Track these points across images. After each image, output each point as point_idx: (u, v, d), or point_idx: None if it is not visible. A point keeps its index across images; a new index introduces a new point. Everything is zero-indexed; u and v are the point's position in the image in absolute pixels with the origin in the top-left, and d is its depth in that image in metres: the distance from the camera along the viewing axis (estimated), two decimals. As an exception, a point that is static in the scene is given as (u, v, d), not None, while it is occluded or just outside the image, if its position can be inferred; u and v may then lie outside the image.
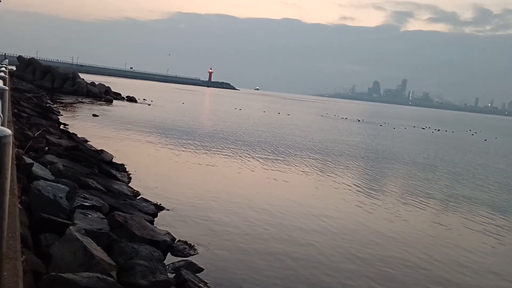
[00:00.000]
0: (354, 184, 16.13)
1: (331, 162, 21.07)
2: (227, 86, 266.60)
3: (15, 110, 16.51)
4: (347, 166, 20.35)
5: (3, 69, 12.75)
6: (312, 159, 21.27)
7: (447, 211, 13.73)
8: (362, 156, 24.64)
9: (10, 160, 1.39)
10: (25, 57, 55.66)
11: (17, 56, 57.03)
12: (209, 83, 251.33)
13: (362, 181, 17.08)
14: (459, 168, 24.18)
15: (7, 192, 1.52)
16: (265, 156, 20.30)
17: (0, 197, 1.34)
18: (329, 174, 17.63)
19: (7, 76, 5.76)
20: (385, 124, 60.59)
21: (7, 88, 3.05)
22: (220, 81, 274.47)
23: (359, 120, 65.21)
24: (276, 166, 17.98)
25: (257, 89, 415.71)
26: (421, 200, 14.54)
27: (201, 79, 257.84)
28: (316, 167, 19.07)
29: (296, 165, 18.84)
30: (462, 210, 14.06)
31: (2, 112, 2.46)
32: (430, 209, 13.53)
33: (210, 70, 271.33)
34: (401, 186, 17.20)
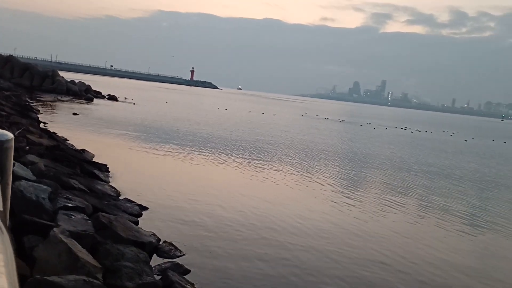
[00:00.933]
0: (332, 185, 16.26)
1: (313, 163, 21.20)
2: (209, 85, 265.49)
3: (-7, 109, 16.12)
4: (327, 167, 20.51)
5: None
6: (294, 160, 21.36)
7: (424, 212, 13.97)
8: (342, 156, 24.85)
9: (12, 164, 1.35)
10: (3, 54, 54.35)
11: (-6, 53, 55.60)
12: (191, 82, 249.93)
13: (341, 182, 17.24)
14: (443, 169, 24.61)
15: (9, 197, 1.48)
16: (248, 156, 20.30)
17: (4, 203, 1.30)
18: (309, 175, 17.72)
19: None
20: (367, 125, 61.28)
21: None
22: (202, 80, 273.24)
23: (340, 121, 65.78)
24: (259, 167, 18.00)
25: (240, 89, 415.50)
26: (398, 202, 14.74)
27: (183, 78, 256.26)
28: (296, 167, 19.16)
29: (277, 166, 18.89)
30: (438, 211, 14.33)
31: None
32: (407, 210, 13.74)
33: (192, 69, 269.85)
34: (380, 187, 17.39)
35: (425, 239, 10.93)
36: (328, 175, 18.24)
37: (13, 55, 58.37)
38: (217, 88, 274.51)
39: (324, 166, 20.36)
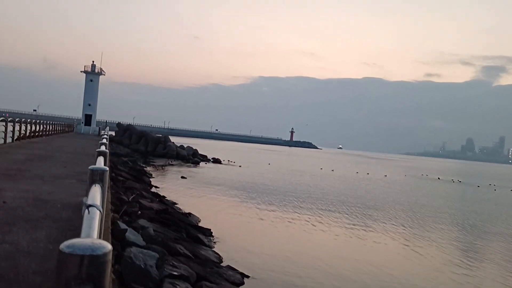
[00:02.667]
0: (447, 255, 14.53)
1: (422, 228, 19.44)
2: (309, 145, 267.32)
3: (113, 174, 17.60)
4: (437, 233, 18.58)
5: (105, 136, 13.74)
6: (404, 226, 19.80)
7: None
8: (457, 224, 22.48)
9: (109, 279, 1.15)
10: (123, 123, 60.86)
11: (117, 122, 62.54)
12: (291, 143, 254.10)
13: (456, 253, 15.37)
14: None
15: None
16: (353, 219, 19.29)
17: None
18: (418, 242, 16.14)
19: (107, 151, 6.00)
20: (488, 186, 55.55)
21: (107, 168, 3.01)
22: (301, 140, 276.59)
23: (454, 181, 60.77)
24: (367, 231, 16.91)
25: (340, 148, 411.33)
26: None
27: (283, 138, 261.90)
28: (407, 234, 17.65)
29: (388, 232, 17.59)
30: None
31: (102, 200, 2.37)
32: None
33: (292, 130, 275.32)
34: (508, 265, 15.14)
35: None
36: (444, 244, 16.46)
37: (132, 123, 64.85)
38: (317, 148, 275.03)
39: (437, 234, 18.51)
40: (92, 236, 1.60)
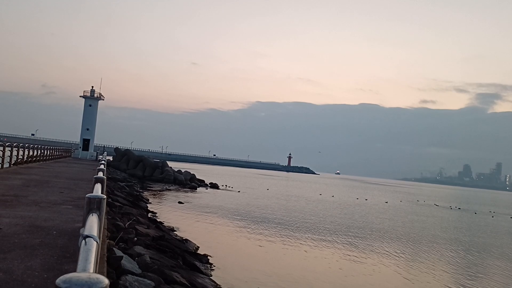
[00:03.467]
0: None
1: (415, 254, 19.25)
2: (306, 170, 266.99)
3: (109, 200, 17.48)
4: (431, 260, 18.40)
5: (102, 162, 13.72)
6: (403, 251, 19.62)
7: None
8: (453, 249, 22.28)
9: None
10: (121, 148, 60.86)
11: (114, 147, 62.54)
12: (289, 168, 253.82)
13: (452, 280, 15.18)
14: None
15: None
16: (353, 246, 19.11)
17: None
18: (413, 269, 15.95)
19: (105, 178, 5.98)
20: (488, 213, 55.32)
21: (104, 196, 3.00)
22: (299, 165, 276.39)
23: (453, 208, 60.55)
24: (367, 258, 16.73)
25: (338, 173, 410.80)
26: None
27: (281, 164, 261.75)
28: (403, 259, 17.47)
29: (388, 258, 17.40)
30: None
31: (99, 229, 2.35)
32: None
33: (290, 155, 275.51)
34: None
35: None
36: (439, 272, 16.29)
37: (130, 148, 64.81)
38: (314, 173, 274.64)
39: (431, 260, 18.33)
40: (89, 269, 1.58)
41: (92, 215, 2.59)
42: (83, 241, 1.84)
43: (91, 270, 1.58)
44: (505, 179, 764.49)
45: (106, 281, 1.22)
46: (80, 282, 1.20)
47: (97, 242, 1.88)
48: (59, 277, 3.98)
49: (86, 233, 1.93)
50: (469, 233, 30.18)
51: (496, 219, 46.58)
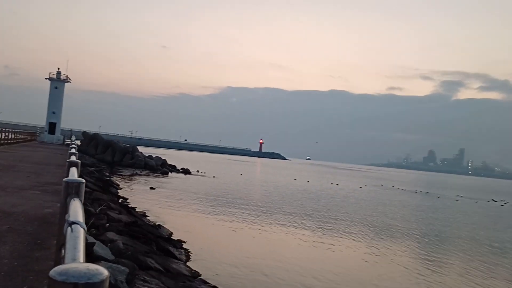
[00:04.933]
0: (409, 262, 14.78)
1: (385, 237, 19.76)
2: (278, 156, 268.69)
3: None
4: (397, 243, 18.93)
5: (73, 146, 13.26)
6: (372, 236, 20.06)
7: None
8: (418, 233, 22.97)
9: None
10: (89, 132, 59.29)
11: (82, 131, 60.90)
12: (260, 154, 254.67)
13: (415, 259, 15.67)
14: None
15: None
16: (323, 228, 19.38)
17: None
18: (380, 249, 16.37)
19: (79, 161, 5.74)
20: (456, 198, 57.14)
21: (83, 180, 2.83)
22: (270, 151, 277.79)
23: (416, 192, 62.37)
24: (342, 240, 17.00)
25: (309, 159, 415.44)
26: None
27: (252, 149, 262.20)
28: (372, 244, 17.87)
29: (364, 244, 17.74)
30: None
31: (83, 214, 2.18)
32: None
33: (261, 141, 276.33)
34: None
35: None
36: (405, 252, 16.75)
37: (98, 132, 63.29)
38: (286, 159, 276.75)
39: (397, 243, 18.84)
40: (78, 258, 1.43)
41: (74, 200, 2.41)
42: (69, 228, 1.69)
43: (81, 259, 1.44)
44: (468, 164, 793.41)
45: (106, 272, 1.09)
46: (78, 273, 1.06)
47: (84, 228, 1.73)
48: (30, 265, 3.74)
49: (71, 219, 1.77)
50: (436, 215, 31.17)
51: (461, 202, 48.31)
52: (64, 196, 2.88)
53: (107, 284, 1.08)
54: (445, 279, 13.25)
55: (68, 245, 1.54)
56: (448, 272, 14.16)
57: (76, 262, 1.40)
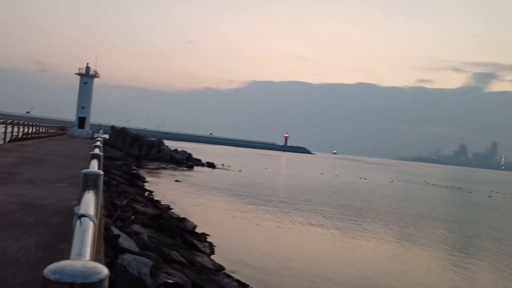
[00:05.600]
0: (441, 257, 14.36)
1: (413, 234, 19.29)
2: (303, 150, 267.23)
3: (106, 178, 17.27)
4: (431, 239, 18.45)
5: (99, 139, 13.44)
6: (399, 232, 19.64)
7: None
8: (450, 229, 22.35)
9: None
10: (117, 126, 60.33)
11: (110, 125, 62.01)
12: (285, 148, 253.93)
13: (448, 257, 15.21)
14: None
15: None
16: (352, 225, 19.09)
17: None
18: (410, 246, 15.97)
19: (101, 154, 5.73)
20: (477, 192, 55.72)
21: (101, 172, 2.76)
22: (295, 145, 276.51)
23: (447, 187, 60.89)
24: (375, 237, 16.71)
25: (335, 153, 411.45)
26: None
27: (277, 143, 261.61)
28: (400, 239, 17.49)
29: (386, 239, 17.40)
30: None
31: (96, 207, 2.12)
32: None
33: (286, 135, 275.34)
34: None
35: None
36: (437, 247, 16.32)
37: (126, 127, 64.30)
38: (311, 153, 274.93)
39: (430, 239, 18.37)
40: (84, 253, 1.35)
41: (88, 192, 2.36)
42: (78, 220, 1.61)
43: (87, 255, 1.35)
44: (501, 158, 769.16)
45: (105, 270, 0.99)
46: (74, 272, 0.96)
47: (94, 222, 1.66)
48: (54, 257, 3.73)
49: (81, 212, 1.70)
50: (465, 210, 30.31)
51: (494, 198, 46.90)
52: (82, 188, 2.84)
53: (106, 284, 0.99)
54: (475, 280, 12.83)
55: (76, 239, 1.46)
56: (477, 271, 13.72)
57: (81, 258, 1.32)
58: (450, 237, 19.57)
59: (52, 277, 0.95)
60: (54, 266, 0.99)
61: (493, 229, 23.21)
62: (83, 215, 1.65)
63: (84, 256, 1.35)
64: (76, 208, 1.88)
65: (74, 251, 1.38)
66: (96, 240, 2.12)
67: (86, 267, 0.99)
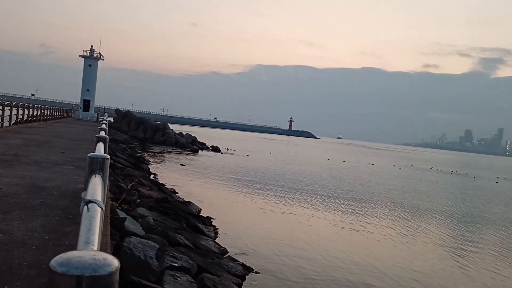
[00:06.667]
0: (441, 243, 14.35)
1: (417, 219, 19.27)
2: (307, 134, 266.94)
3: (111, 161, 17.28)
4: (429, 224, 18.42)
5: (104, 122, 13.40)
6: (403, 218, 19.63)
7: None
8: (452, 215, 22.32)
9: None
10: (122, 109, 60.29)
11: (115, 109, 62.00)
12: (290, 132, 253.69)
13: (449, 244, 15.19)
14: None
15: None
16: (360, 209, 19.10)
17: None
18: (412, 233, 15.96)
19: (107, 137, 5.68)
20: (483, 178, 55.57)
21: (108, 156, 2.69)
22: (300, 129, 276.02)
23: (451, 172, 60.75)
24: (377, 222, 16.71)
25: (339, 138, 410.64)
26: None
27: (282, 128, 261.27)
28: (405, 226, 17.48)
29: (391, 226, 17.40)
30: None
31: (103, 192, 2.06)
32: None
33: (291, 119, 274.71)
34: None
35: None
36: (437, 234, 16.30)
37: (131, 110, 64.25)
38: (315, 137, 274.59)
39: (429, 225, 18.35)
40: (92, 242, 1.29)
41: (95, 176, 2.29)
42: (85, 206, 1.55)
43: (95, 243, 1.29)
44: (506, 144, 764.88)
45: (115, 263, 0.93)
46: (82, 264, 0.90)
47: (101, 208, 1.59)
48: (60, 240, 3.66)
49: (88, 197, 1.64)
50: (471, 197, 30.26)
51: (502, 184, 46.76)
52: (88, 172, 2.78)
53: (116, 277, 0.92)
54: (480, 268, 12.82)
55: (83, 226, 1.40)
56: (483, 258, 13.71)
57: (88, 246, 1.26)
58: (459, 223, 19.55)
59: (59, 270, 0.89)
60: (60, 257, 0.92)
61: (504, 215, 23.18)
62: (90, 201, 1.59)
63: (92, 244, 1.29)
64: (83, 194, 1.82)
65: (81, 238, 1.32)
66: (103, 225, 2.07)
67: (95, 259, 0.92)
